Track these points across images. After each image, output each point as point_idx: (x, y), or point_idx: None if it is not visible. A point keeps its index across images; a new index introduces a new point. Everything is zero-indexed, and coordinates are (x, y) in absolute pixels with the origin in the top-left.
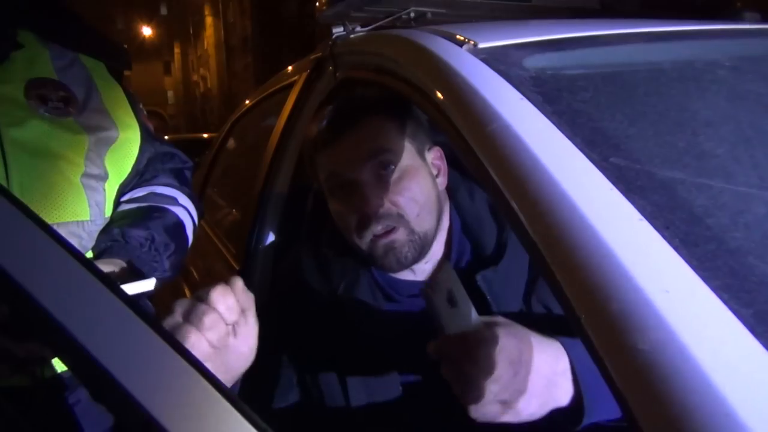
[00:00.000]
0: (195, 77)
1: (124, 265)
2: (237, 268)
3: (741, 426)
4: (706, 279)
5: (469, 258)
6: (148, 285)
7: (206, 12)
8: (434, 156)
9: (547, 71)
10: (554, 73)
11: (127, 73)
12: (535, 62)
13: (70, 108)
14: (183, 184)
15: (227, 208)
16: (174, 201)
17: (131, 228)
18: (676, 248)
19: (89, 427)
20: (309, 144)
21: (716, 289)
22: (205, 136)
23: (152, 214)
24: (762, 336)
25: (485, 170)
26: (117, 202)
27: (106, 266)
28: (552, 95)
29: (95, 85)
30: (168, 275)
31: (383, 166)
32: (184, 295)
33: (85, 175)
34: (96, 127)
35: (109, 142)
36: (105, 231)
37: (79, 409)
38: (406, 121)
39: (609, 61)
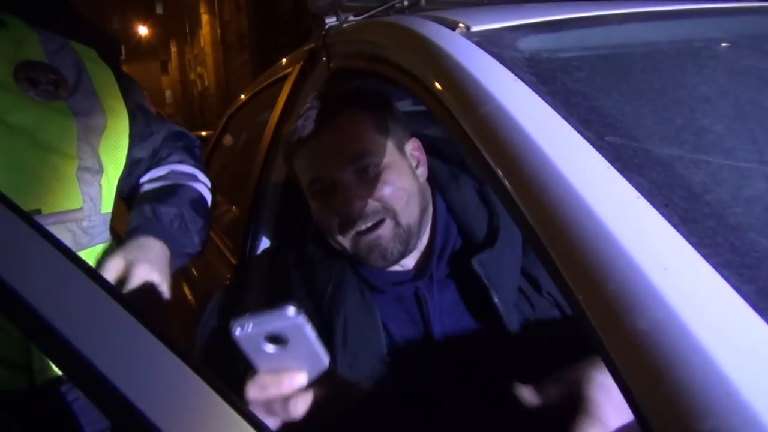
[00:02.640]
0: (192, 76)
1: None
2: (234, 263)
3: (743, 404)
4: (707, 256)
5: (459, 245)
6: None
7: (202, 10)
8: (412, 147)
9: (541, 53)
10: (549, 55)
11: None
12: (529, 44)
13: (61, 91)
14: (196, 160)
15: (224, 203)
16: (194, 178)
17: (161, 205)
18: (675, 225)
19: (87, 425)
20: (286, 143)
21: (717, 266)
22: (204, 134)
23: (178, 191)
24: (765, 312)
25: (479, 153)
26: (133, 187)
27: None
28: (546, 76)
29: (86, 69)
30: (198, 250)
31: (364, 167)
32: (184, 292)
33: (81, 168)
34: (84, 112)
35: (98, 130)
36: (136, 209)
37: (78, 407)
38: (384, 115)
39: (605, 42)
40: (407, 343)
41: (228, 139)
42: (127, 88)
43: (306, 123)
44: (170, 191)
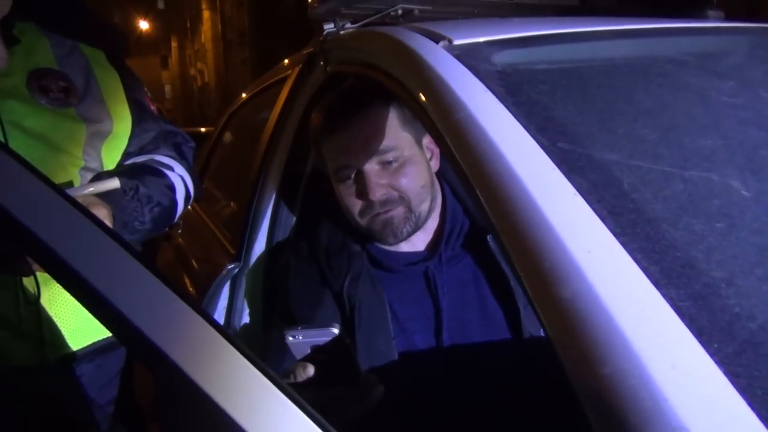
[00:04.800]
0: (192, 71)
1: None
2: (233, 252)
3: (635, 354)
4: (624, 243)
5: (466, 226)
6: (112, 183)
7: (203, 6)
8: (428, 141)
9: (512, 66)
10: (519, 68)
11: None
12: (502, 58)
13: (71, 98)
14: (182, 158)
15: (224, 199)
16: (170, 168)
17: (119, 176)
18: (602, 218)
19: (95, 398)
20: (315, 131)
21: (631, 251)
22: (203, 130)
23: (144, 170)
24: (664, 287)
25: (452, 153)
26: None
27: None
28: (514, 88)
29: (94, 74)
30: (147, 227)
31: (388, 160)
32: (186, 284)
33: (84, 168)
34: (93, 119)
35: (103, 135)
36: (95, 176)
37: (85, 381)
38: (405, 110)
39: (569, 58)
40: (413, 320)
41: (228, 136)
42: (129, 85)
43: (335, 115)
44: (136, 168)
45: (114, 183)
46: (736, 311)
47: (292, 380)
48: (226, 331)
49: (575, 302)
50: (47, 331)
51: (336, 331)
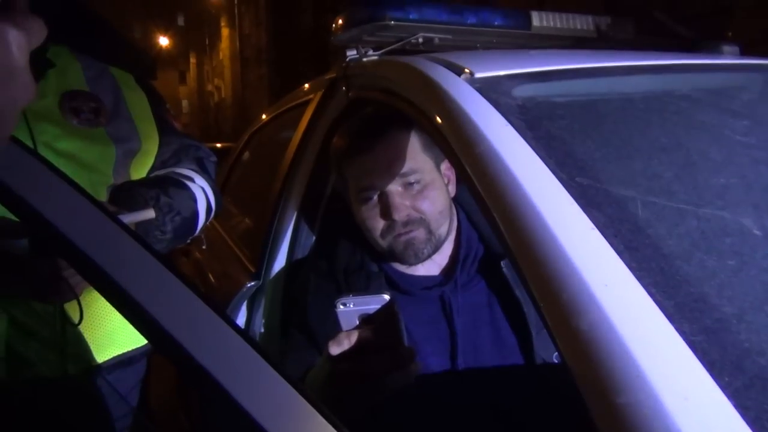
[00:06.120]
0: (210, 87)
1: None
2: (253, 270)
3: (649, 386)
4: (639, 277)
5: (481, 252)
6: (148, 214)
7: (222, 23)
8: (446, 167)
9: (532, 100)
10: (538, 102)
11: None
12: (523, 92)
13: (101, 118)
14: (204, 171)
15: (244, 217)
16: (191, 179)
17: (141, 186)
18: (619, 252)
19: (113, 411)
20: (338, 153)
21: (647, 285)
22: (219, 145)
23: (166, 180)
24: (676, 321)
25: (474, 185)
26: None
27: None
28: (534, 122)
29: (123, 96)
30: (169, 237)
31: (410, 182)
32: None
33: (112, 186)
34: (123, 138)
35: (132, 153)
36: (118, 186)
37: (105, 392)
38: (425, 136)
39: (587, 92)
40: (428, 343)
41: (249, 155)
42: (154, 103)
43: (359, 137)
44: (158, 179)
45: (149, 213)
46: (746, 346)
47: (336, 350)
48: (256, 342)
49: (593, 333)
50: (72, 343)
51: (387, 297)
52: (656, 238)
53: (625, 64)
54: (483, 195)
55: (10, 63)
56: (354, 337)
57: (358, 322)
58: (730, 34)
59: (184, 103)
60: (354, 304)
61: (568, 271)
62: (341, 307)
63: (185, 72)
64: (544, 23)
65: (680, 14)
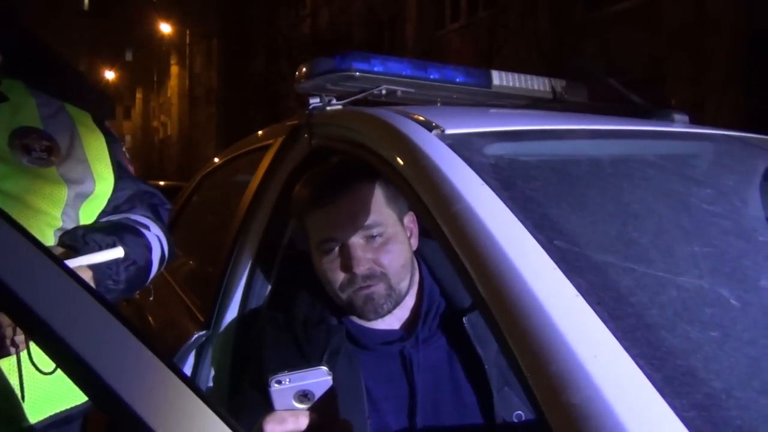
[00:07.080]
0: (155, 123)
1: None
2: (202, 319)
3: None
4: (627, 348)
5: (443, 306)
6: (117, 252)
7: (172, 61)
8: (408, 220)
9: (504, 158)
10: (510, 161)
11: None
12: (494, 150)
13: (53, 157)
14: (158, 219)
15: (193, 263)
16: (146, 227)
17: (95, 232)
18: (604, 321)
19: None
20: (300, 203)
21: (635, 357)
22: (162, 183)
23: (121, 227)
24: (667, 395)
25: (450, 245)
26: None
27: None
28: (508, 182)
29: (78, 135)
30: (121, 288)
31: (373, 235)
32: None
33: (60, 229)
34: (76, 180)
35: (84, 196)
36: (70, 231)
37: None
38: (389, 188)
39: (557, 153)
40: (386, 400)
41: (199, 199)
42: (111, 146)
43: (323, 189)
44: (113, 225)
45: (119, 252)
46: (738, 423)
47: (277, 429)
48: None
49: (585, 409)
50: (4, 403)
51: (324, 369)
52: (639, 307)
53: (589, 127)
54: (460, 255)
55: None
56: (301, 418)
57: (293, 400)
58: (673, 101)
59: (128, 138)
60: (290, 381)
61: (556, 341)
62: (276, 385)
63: (130, 107)
64: (504, 83)
65: (618, 80)
